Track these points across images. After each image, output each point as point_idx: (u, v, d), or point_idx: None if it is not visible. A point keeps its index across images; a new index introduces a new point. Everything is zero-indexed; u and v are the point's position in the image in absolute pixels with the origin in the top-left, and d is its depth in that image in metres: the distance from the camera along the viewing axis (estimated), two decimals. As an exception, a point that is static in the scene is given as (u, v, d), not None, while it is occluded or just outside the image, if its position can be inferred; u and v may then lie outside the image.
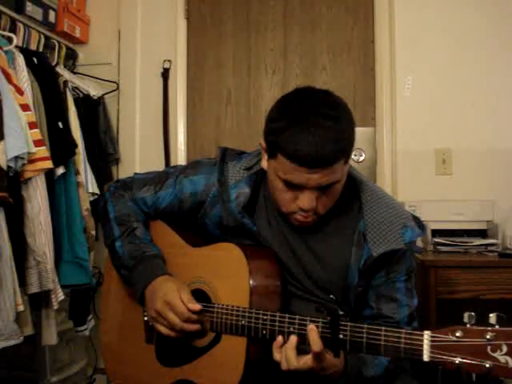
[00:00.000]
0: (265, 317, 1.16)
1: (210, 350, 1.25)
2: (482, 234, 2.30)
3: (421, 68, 2.55)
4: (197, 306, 1.21)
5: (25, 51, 1.99)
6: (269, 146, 1.18)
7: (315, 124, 1.11)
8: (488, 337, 0.89)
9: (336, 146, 1.11)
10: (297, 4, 2.71)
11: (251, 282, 1.20)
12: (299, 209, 1.18)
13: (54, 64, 2.33)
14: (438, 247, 2.23)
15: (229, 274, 1.25)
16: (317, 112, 1.13)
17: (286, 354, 1.09)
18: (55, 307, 1.91)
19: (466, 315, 0.92)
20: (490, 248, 2.21)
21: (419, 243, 2.32)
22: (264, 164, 1.26)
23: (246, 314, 1.18)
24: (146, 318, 1.35)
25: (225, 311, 1.22)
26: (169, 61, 2.72)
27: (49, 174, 1.92)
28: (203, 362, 1.25)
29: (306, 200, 1.16)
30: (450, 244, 2.22)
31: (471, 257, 2.16)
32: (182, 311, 1.21)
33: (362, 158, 2.62)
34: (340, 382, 1.13)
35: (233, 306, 1.21)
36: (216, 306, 1.24)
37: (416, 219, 1.30)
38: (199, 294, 1.28)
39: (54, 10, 2.43)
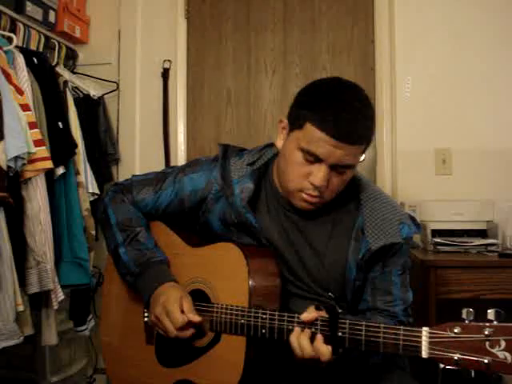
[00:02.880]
0: (264, 316, 1.16)
1: (209, 350, 1.25)
2: (482, 234, 2.29)
3: (421, 68, 2.55)
4: (196, 318, 1.21)
5: (25, 51, 1.99)
6: (296, 117, 1.21)
7: (351, 105, 1.17)
8: (486, 333, 0.89)
9: (365, 128, 1.19)
10: (297, 4, 2.71)
11: (250, 281, 1.20)
12: (310, 185, 1.20)
13: (54, 64, 2.33)
14: (438, 247, 2.22)
15: (228, 274, 1.25)
16: (353, 96, 1.20)
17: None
18: (55, 307, 1.91)
19: (464, 311, 0.93)
20: (489, 248, 2.21)
21: (419, 243, 2.32)
22: (279, 143, 1.28)
23: (246, 314, 1.18)
24: (146, 319, 1.35)
25: (224, 311, 1.22)
26: (169, 61, 2.72)
27: (49, 174, 1.92)
28: (203, 362, 1.25)
29: (320, 176, 1.17)
30: (450, 244, 2.22)
31: (471, 257, 2.15)
32: (176, 318, 1.21)
33: (362, 158, 2.61)
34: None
35: (232, 306, 1.21)
36: (215, 305, 1.24)
37: (412, 218, 1.32)
38: (199, 294, 1.28)
39: (54, 10, 2.43)
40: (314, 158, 1.17)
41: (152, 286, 1.29)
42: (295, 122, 1.21)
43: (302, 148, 1.18)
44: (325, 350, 1.06)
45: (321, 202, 1.24)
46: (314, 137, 1.15)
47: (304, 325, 1.10)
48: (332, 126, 1.14)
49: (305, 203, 1.24)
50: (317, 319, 1.09)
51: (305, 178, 1.20)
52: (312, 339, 1.08)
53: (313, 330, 1.08)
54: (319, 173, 1.18)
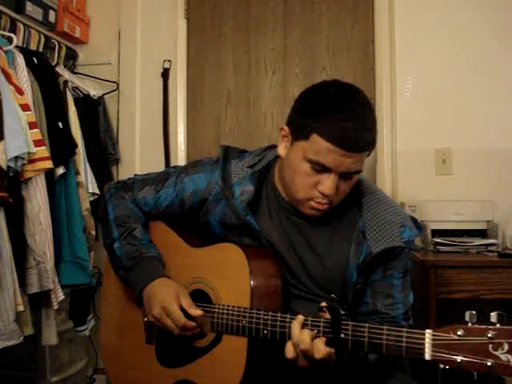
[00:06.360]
0: (266, 317, 1.16)
1: (210, 351, 1.25)
2: (482, 234, 2.30)
3: (421, 68, 2.55)
4: (197, 312, 1.21)
5: (25, 51, 1.99)
6: (300, 127, 1.19)
7: (355, 111, 1.16)
8: (489, 335, 0.89)
9: (371, 134, 1.18)
10: (297, 4, 2.71)
11: (252, 282, 1.20)
12: (319, 194, 1.19)
13: (54, 64, 2.32)
14: (438, 247, 2.22)
15: (229, 275, 1.25)
16: (356, 100, 1.19)
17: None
18: (55, 307, 1.91)
19: (467, 314, 0.93)
20: (489, 248, 2.21)
21: (419, 244, 2.32)
22: (281, 151, 1.27)
23: (247, 315, 1.18)
24: (145, 319, 1.35)
25: (225, 312, 1.22)
26: (169, 61, 2.72)
27: (49, 174, 1.92)
28: (204, 362, 1.25)
29: (330, 185, 1.17)
30: (450, 244, 2.22)
31: (471, 257, 2.16)
32: (177, 318, 1.21)
33: (362, 159, 2.62)
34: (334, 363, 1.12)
35: (233, 307, 1.21)
36: (217, 306, 1.24)
37: (414, 220, 1.31)
38: (200, 295, 1.28)
39: (54, 10, 2.43)
40: (322, 168, 1.17)
41: (143, 281, 1.28)
42: (300, 132, 1.20)
43: (309, 159, 1.17)
44: (321, 347, 1.06)
45: (329, 207, 1.24)
46: (322, 148, 1.15)
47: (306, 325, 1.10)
48: (339, 136, 1.13)
49: (314, 211, 1.24)
50: (319, 320, 1.09)
51: (313, 187, 1.20)
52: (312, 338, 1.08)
53: (315, 331, 1.08)
54: (328, 182, 1.17)
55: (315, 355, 1.05)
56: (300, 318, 1.10)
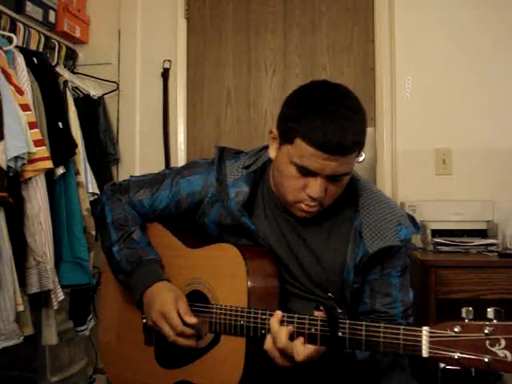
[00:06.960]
0: (263, 316, 1.16)
1: (209, 351, 1.24)
2: (482, 234, 2.30)
3: (421, 68, 2.55)
4: (192, 320, 1.21)
5: (25, 51, 2.00)
6: (285, 131, 1.19)
7: (338, 113, 1.14)
8: (486, 331, 0.89)
9: (356, 136, 1.15)
10: (297, 4, 2.71)
11: (249, 282, 1.20)
12: (307, 197, 1.19)
13: (54, 64, 2.33)
14: (438, 247, 2.22)
15: (227, 275, 1.25)
16: (340, 102, 1.17)
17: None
18: (55, 307, 1.91)
19: (463, 310, 0.93)
20: (489, 248, 2.21)
21: (419, 244, 2.32)
22: (272, 153, 1.27)
23: (245, 314, 1.18)
24: (144, 321, 1.35)
25: (223, 312, 1.22)
26: (169, 61, 2.72)
27: (49, 174, 1.93)
28: (203, 363, 1.25)
29: (317, 188, 1.17)
30: (450, 244, 2.22)
31: (471, 257, 2.16)
32: (176, 324, 1.21)
33: (361, 158, 2.61)
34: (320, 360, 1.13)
35: (231, 307, 1.21)
36: (214, 306, 1.24)
37: (411, 218, 1.31)
38: (197, 295, 1.28)
39: (54, 9, 2.43)
40: (307, 172, 1.16)
41: (143, 285, 1.28)
42: (285, 135, 1.19)
43: (294, 163, 1.17)
44: (300, 348, 1.06)
45: (320, 209, 1.23)
46: (306, 152, 1.14)
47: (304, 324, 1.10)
48: (322, 140, 1.12)
49: (304, 213, 1.23)
50: (317, 319, 1.09)
51: (301, 190, 1.19)
52: (292, 337, 1.09)
53: (312, 330, 1.08)
54: (315, 185, 1.17)
55: (296, 358, 1.06)
56: (278, 313, 1.11)
